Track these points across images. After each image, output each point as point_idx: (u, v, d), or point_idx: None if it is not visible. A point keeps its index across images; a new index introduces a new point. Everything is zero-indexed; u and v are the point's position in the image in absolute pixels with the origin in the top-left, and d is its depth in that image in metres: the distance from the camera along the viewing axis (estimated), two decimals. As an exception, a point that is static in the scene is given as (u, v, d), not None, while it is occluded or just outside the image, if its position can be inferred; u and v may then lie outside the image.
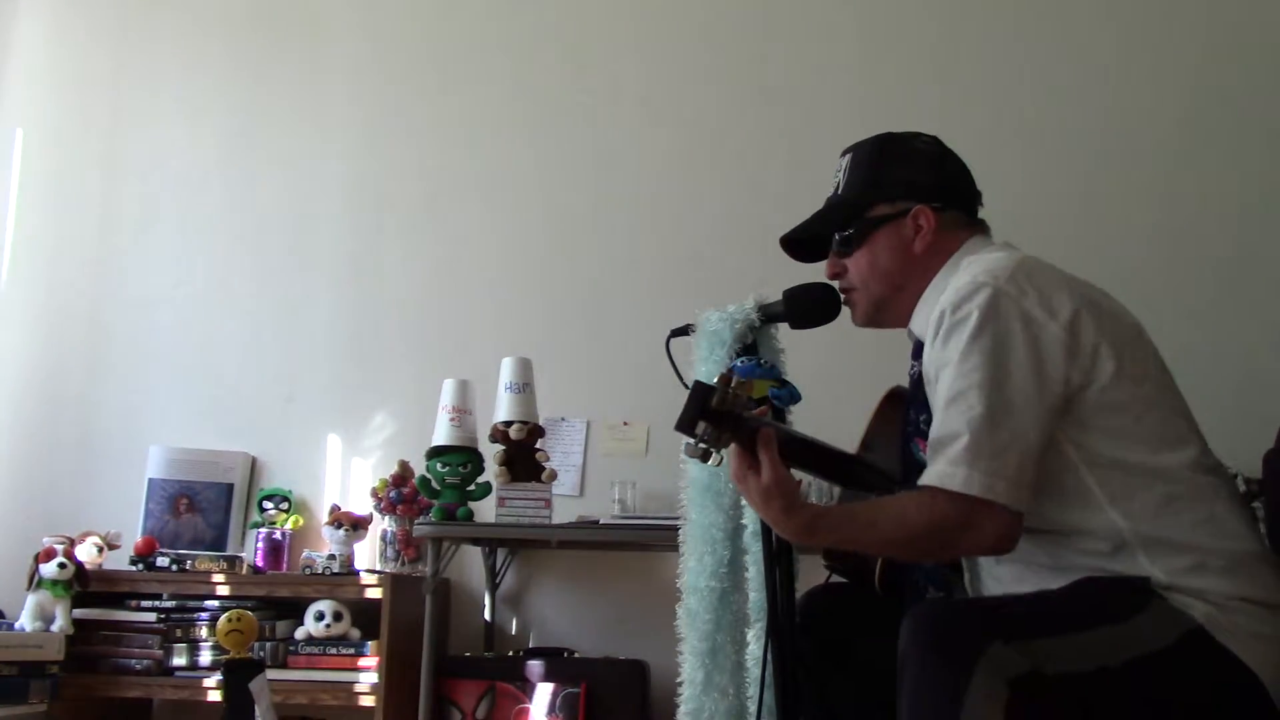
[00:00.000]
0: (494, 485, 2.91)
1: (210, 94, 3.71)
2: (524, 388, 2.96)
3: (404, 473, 3.17)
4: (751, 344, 1.93)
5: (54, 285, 3.64)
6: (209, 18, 3.75)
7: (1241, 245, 3.16)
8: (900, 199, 1.75)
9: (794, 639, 1.74)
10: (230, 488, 3.38)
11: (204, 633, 2.98)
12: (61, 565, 2.91)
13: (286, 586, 3.04)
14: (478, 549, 3.18)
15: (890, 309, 1.79)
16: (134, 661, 2.97)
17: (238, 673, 2.66)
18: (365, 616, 2.95)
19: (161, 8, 3.79)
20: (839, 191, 1.82)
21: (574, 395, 3.31)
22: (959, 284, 1.60)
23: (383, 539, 3.16)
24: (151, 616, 2.99)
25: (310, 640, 2.95)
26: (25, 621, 2.90)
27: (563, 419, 3.32)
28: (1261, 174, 3.19)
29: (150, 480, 3.36)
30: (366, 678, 2.89)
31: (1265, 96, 3.23)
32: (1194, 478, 1.56)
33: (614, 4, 3.60)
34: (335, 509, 3.22)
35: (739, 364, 1.85)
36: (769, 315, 1.94)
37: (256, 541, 3.24)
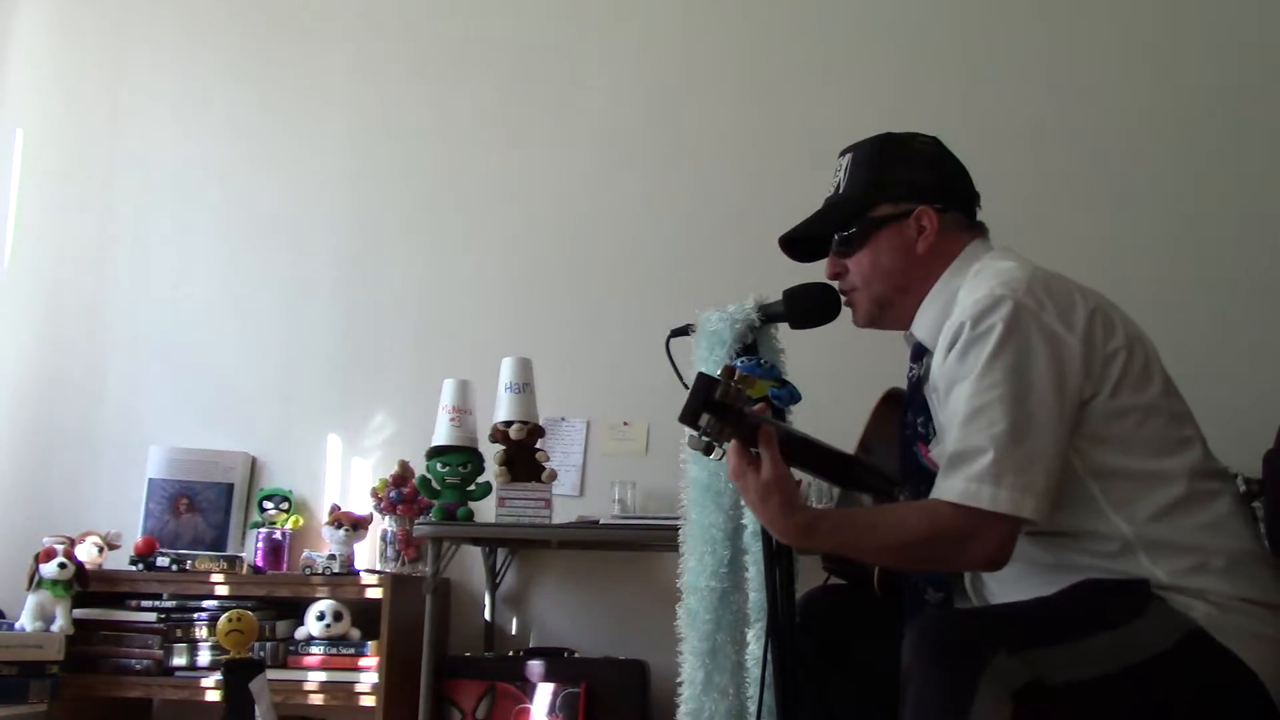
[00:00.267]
0: (494, 485, 2.91)
1: (210, 94, 3.71)
2: (524, 388, 2.96)
3: (404, 473, 3.17)
4: (751, 344, 1.93)
5: (54, 285, 3.65)
6: (209, 18, 3.75)
7: (1241, 245, 3.16)
8: (903, 199, 1.75)
9: (794, 639, 1.74)
10: (230, 488, 3.38)
11: (204, 633, 2.98)
12: (62, 565, 2.91)
13: (286, 586, 3.04)
14: (478, 549, 3.18)
15: (892, 310, 1.78)
16: (134, 661, 2.98)
17: (238, 673, 2.67)
18: (365, 616, 2.95)
19: (161, 8, 3.79)
20: (839, 191, 1.81)
21: (574, 395, 3.31)
22: (978, 295, 1.59)
23: (383, 539, 3.16)
24: (151, 616, 2.99)
25: (310, 640, 2.95)
26: (25, 621, 2.90)
27: (563, 419, 3.32)
28: (1261, 174, 3.19)
29: (150, 480, 3.36)
30: (367, 678, 2.89)
31: (1265, 96, 3.22)
32: (1196, 480, 1.56)
33: (614, 4, 3.59)
34: (335, 509, 3.22)
35: (739, 363, 1.85)
36: (769, 315, 1.93)
37: (256, 541, 3.25)
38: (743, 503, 1.90)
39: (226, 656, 2.72)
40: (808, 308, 1.88)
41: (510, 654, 3.05)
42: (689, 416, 1.46)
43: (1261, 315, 3.11)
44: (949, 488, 1.51)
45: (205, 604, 3.01)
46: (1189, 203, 3.21)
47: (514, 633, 3.26)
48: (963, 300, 1.63)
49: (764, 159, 3.39)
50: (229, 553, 3.20)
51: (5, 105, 3.77)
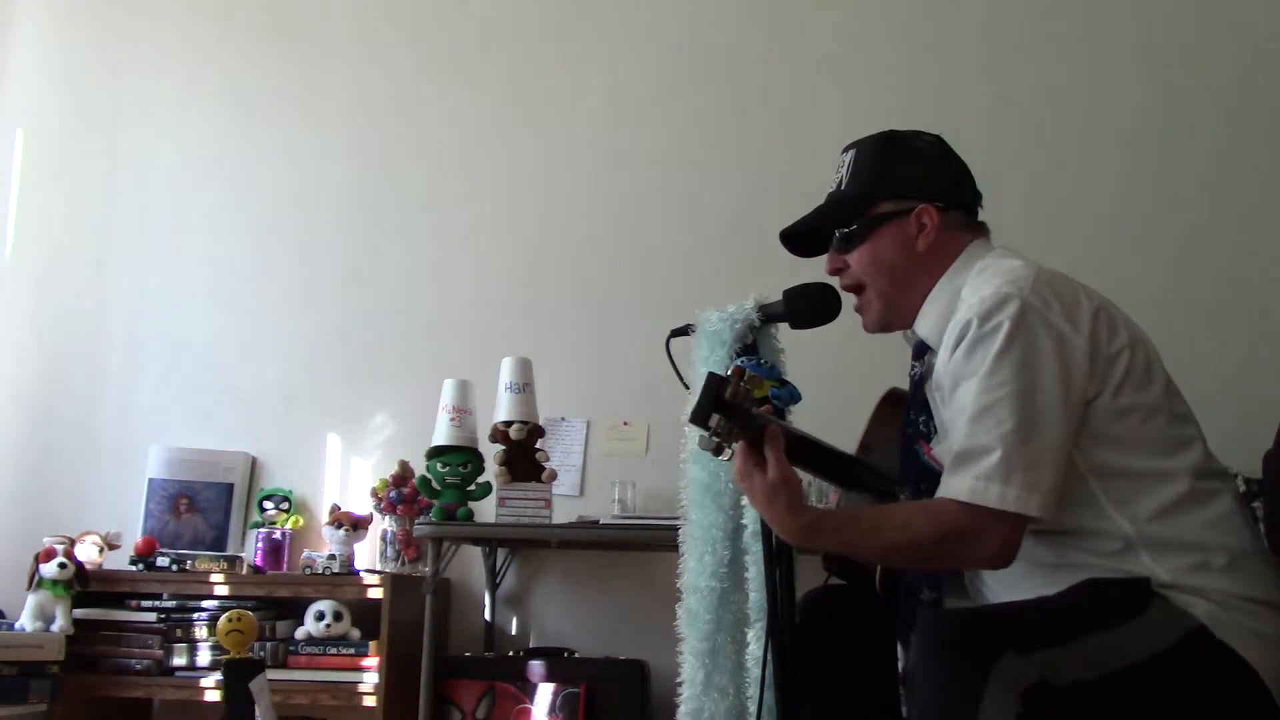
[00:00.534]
0: (494, 485, 2.91)
1: (210, 94, 3.71)
2: (524, 388, 2.96)
3: (404, 473, 3.17)
4: (751, 344, 1.93)
5: (54, 285, 3.64)
6: (208, 18, 3.75)
7: (1241, 245, 3.16)
8: (904, 197, 1.75)
9: (794, 639, 1.74)
10: (230, 488, 3.38)
11: (204, 633, 2.98)
12: (62, 565, 2.91)
13: (286, 586, 3.04)
14: (478, 549, 3.18)
15: (898, 310, 1.78)
16: (134, 661, 2.97)
17: (238, 673, 2.66)
18: (365, 616, 2.95)
19: (161, 7, 3.78)
20: (841, 187, 1.81)
21: (574, 395, 3.31)
22: (984, 294, 1.59)
23: (383, 539, 3.16)
24: (151, 616, 2.99)
25: (310, 640, 2.95)
26: (25, 621, 2.90)
27: (563, 419, 3.32)
28: (1261, 174, 3.19)
29: (150, 480, 3.36)
30: (367, 678, 2.89)
31: (1265, 96, 3.22)
32: (1197, 481, 1.56)
33: (615, 4, 3.59)
34: (335, 509, 3.22)
35: (740, 362, 1.85)
36: (769, 315, 1.93)
37: (256, 541, 3.25)
38: (743, 503, 1.91)
39: (226, 656, 2.72)
40: (808, 308, 1.89)
41: (510, 654, 3.05)
42: (700, 417, 1.46)
43: (1262, 315, 3.11)
44: (956, 486, 1.51)
45: (205, 604, 3.01)
46: (1189, 203, 3.21)
47: (514, 633, 3.26)
48: (968, 298, 1.63)
49: (764, 159, 3.39)
50: (229, 553, 3.20)
51: (5, 105, 3.77)
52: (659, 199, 3.43)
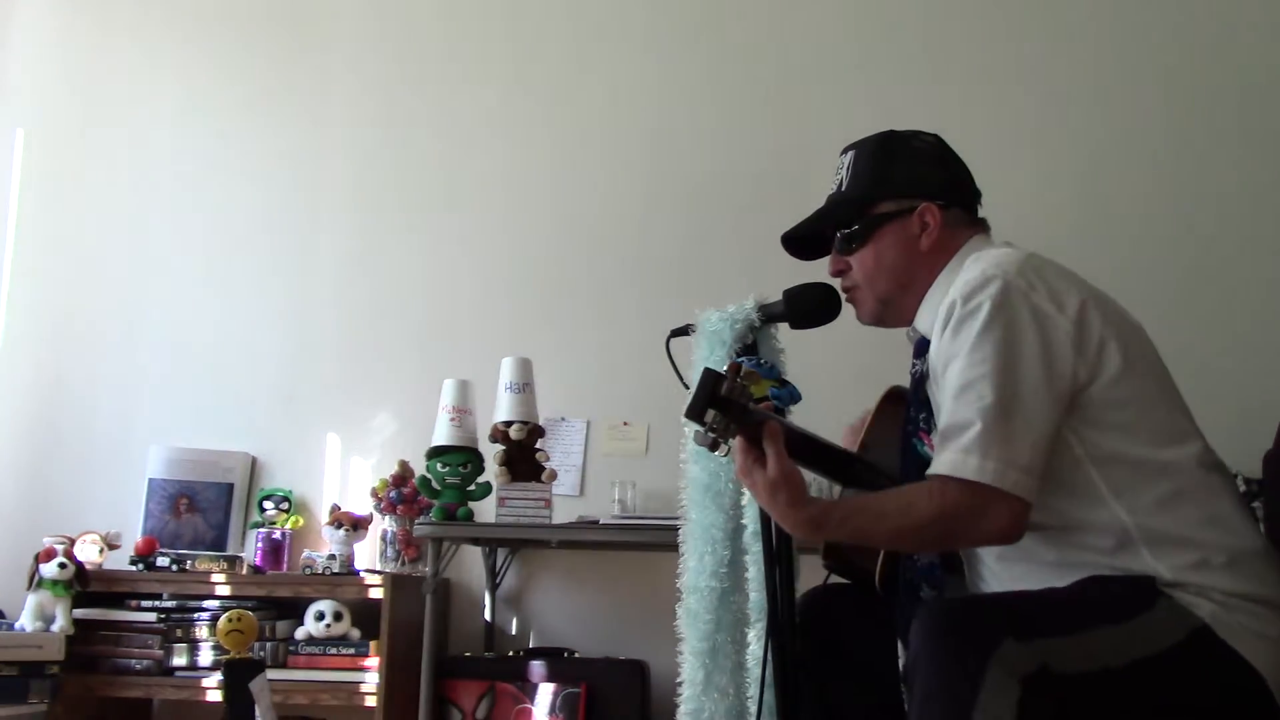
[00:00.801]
0: (494, 485, 2.91)
1: (210, 94, 3.71)
2: (524, 388, 2.96)
3: (404, 473, 3.17)
4: (751, 344, 1.94)
5: (54, 285, 3.64)
6: (209, 17, 3.75)
7: (1241, 245, 3.17)
8: (905, 196, 1.75)
9: (794, 639, 1.74)
10: (230, 488, 3.38)
11: (204, 633, 2.98)
12: (62, 565, 2.91)
13: (286, 586, 3.04)
14: (478, 549, 3.18)
15: (895, 307, 1.78)
16: (134, 661, 2.97)
17: (238, 673, 2.67)
18: (365, 616, 2.95)
19: (162, 7, 3.78)
20: (842, 189, 1.81)
21: (574, 395, 3.31)
22: (969, 276, 1.60)
23: (383, 539, 3.16)
24: (151, 616, 2.99)
25: (310, 640, 2.95)
26: (25, 621, 2.90)
27: (563, 419, 3.32)
28: (1261, 173, 3.19)
29: (150, 480, 3.36)
30: (367, 678, 2.88)
31: (1266, 96, 3.23)
32: (1197, 473, 1.56)
33: (617, 4, 3.59)
34: (335, 509, 3.22)
35: (740, 360, 1.85)
36: (769, 315, 1.94)
37: (256, 541, 3.25)
38: (743, 502, 1.91)
39: (226, 656, 2.72)
40: (808, 308, 1.89)
41: (510, 654, 3.05)
42: (696, 412, 1.46)
43: (1261, 315, 3.11)
44: (940, 461, 1.52)
45: (205, 604, 3.01)
46: (1189, 202, 3.21)
47: (514, 633, 3.26)
48: (956, 284, 1.64)
49: (765, 159, 3.39)
50: (229, 553, 3.20)
51: (5, 105, 3.77)
52: (659, 199, 3.43)
